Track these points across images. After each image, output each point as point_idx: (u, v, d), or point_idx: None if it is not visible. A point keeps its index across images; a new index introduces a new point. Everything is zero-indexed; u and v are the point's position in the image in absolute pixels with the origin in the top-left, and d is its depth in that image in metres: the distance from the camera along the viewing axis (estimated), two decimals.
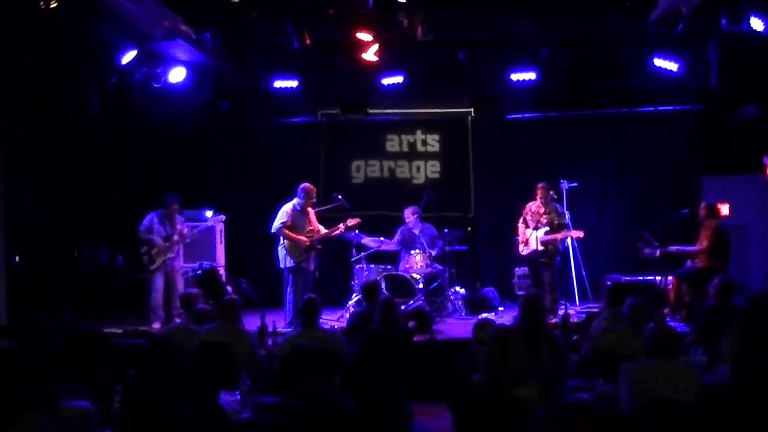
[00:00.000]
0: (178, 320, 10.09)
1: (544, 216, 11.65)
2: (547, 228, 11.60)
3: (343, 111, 13.90)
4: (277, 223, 11.22)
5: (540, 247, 11.53)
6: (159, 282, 11.51)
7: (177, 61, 12.17)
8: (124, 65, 11.52)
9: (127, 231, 11.81)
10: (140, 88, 12.22)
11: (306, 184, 11.47)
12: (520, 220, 12.06)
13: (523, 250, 11.91)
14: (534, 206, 11.90)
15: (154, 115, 12.93)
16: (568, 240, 12.62)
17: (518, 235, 12.01)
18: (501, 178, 14.32)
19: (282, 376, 5.73)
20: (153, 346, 5.79)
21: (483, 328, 6.93)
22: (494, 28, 12.00)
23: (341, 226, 11.49)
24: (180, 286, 11.63)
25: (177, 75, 12.20)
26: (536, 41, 12.11)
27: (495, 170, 14.40)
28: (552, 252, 11.66)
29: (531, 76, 12.73)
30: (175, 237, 11.61)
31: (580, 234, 11.85)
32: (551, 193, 11.78)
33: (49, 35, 10.09)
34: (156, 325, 11.12)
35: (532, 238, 11.61)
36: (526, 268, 12.36)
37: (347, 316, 11.55)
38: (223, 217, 12.56)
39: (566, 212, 12.39)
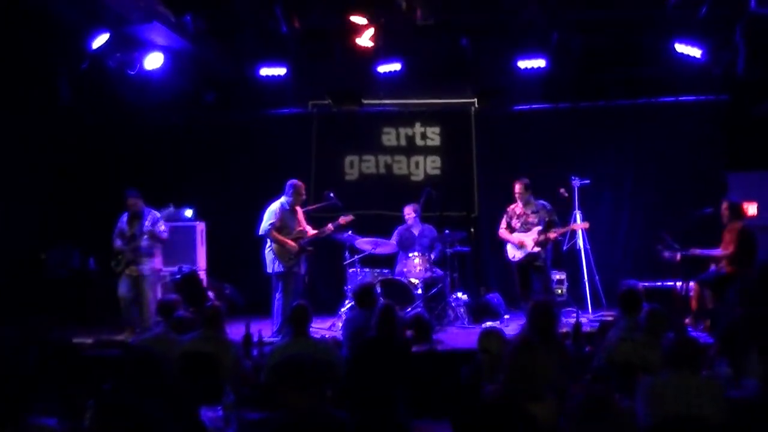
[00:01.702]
0: (157, 329, 10.04)
1: (532, 215, 11.70)
2: (540, 227, 11.62)
3: (336, 102, 13.92)
4: (265, 225, 11.19)
5: (536, 249, 11.57)
6: (122, 288, 11.38)
7: (154, 46, 12.10)
8: (95, 50, 11.41)
9: (101, 232, 11.79)
10: (114, 75, 12.18)
11: (295, 181, 11.45)
12: (503, 225, 12.12)
13: (515, 256, 11.95)
14: (518, 208, 11.95)
15: (130, 105, 12.90)
16: (579, 242, 12.65)
17: (509, 241, 12.02)
18: (507, 175, 14.18)
19: (270, 389, 5.74)
20: (131, 357, 5.78)
21: (489, 338, 6.92)
22: (500, 11, 11.99)
23: (330, 225, 11.48)
24: (150, 291, 11.48)
25: (154, 61, 12.12)
26: (546, 25, 12.12)
27: (500, 166, 14.38)
28: (545, 254, 11.73)
29: (540, 63, 12.71)
30: (137, 238, 11.38)
31: (585, 225, 11.87)
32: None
33: (11, 16, 10.05)
34: (113, 337, 10.92)
35: (527, 240, 11.65)
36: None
37: (340, 324, 11.57)
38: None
39: (578, 211, 12.43)
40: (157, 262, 11.72)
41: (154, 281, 11.67)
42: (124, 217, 11.51)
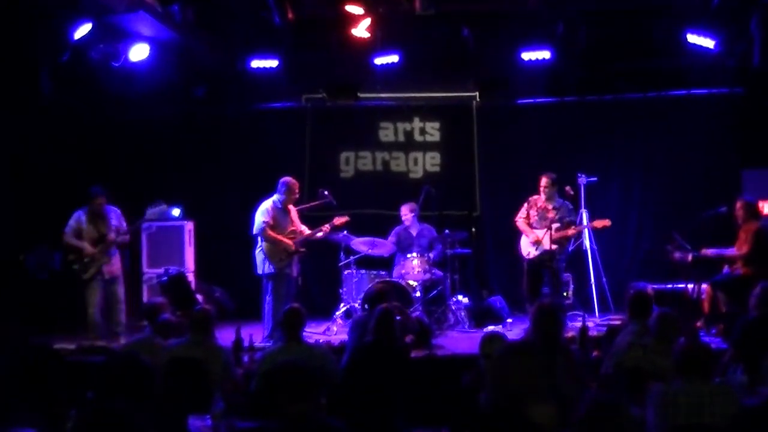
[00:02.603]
0: (142, 334, 10.03)
1: (552, 211, 11.68)
2: (557, 225, 11.62)
3: (331, 95, 13.93)
4: (258, 223, 11.15)
5: (553, 247, 11.55)
6: (94, 294, 11.25)
7: (140, 37, 12.09)
8: (77, 41, 11.35)
9: None
10: (97, 68, 12.15)
11: (288, 178, 11.43)
12: (520, 215, 12.09)
13: (530, 253, 11.93)
14: (540, 201, 11.93)
15: (114, 99, 12.90)
16: (586, 242, 12.65)
17: (525, 233, 12.01)
18: (510, 172, 14.30)
19: (261, 397, 5.73)
20: (116, 364, 5.76)
21: (491, 342, 6.92)
22: (503, 0, 11.99)
23: (326, 226, 11.48)
24: (122, 294, 11.50)
25: (139, 53, 12.10)
26: (551, 15, 12.13)
27: (503, 163, 14.40)
28: (560, 254, 11.72)
29: (545, 55, 12.73)
30: (111, 236, 11.30)
31: (606, 223, 11.85)
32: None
33: None
34: (95, 343, 10.86)
35: (545, 237, 11.62)
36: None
37: (335, 328, 11.58)
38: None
39: (584, 210, 12.42)
40: (119, 261, 11.67)
41: (122, 282, 11.62)
42: (82, 216, 11.31)
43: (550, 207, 11.79)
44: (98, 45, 11.84)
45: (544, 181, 11.87)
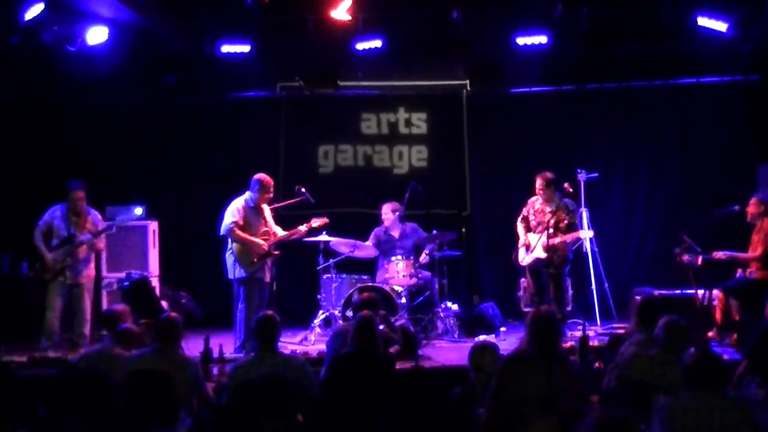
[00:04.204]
0: (100, 344, 9.99)
1: (549, 214, 11.67)
2: (552, 230, 11.59)
3: (308, 84, 13.92)
4: (226, 223, 11.13)
5: (543, 255, 11.56)
6: (54, 299, 11.23)
7: (98, 19, 12.04)
8: (28, 22, 11.28)
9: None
10: (51, 52, 12.08)
11: (261, 175, 11.39)
12: (520, 219, 12.14)
13: (524, 259, 11.96)
14: (537, 203, 11.95)
15: (70, 87, 12.85)
16: (587, 244, 12.65)
17: (518, 239, 12.07)
18: (503, 168, 14.34)
19: (232, 413, 5.69)
20: (71, 377, 5.74)
21: (483, 353, 6.92)
22: None
23: (302, 227, 11.46)
24: (88, 302, 11.43)
25: (97, 36, 12.04)
26: None
27: (496, 157, 14.45)
28: (560, 260, 11.69)
29: (542, 39, 12.77)
30: (81, 237, 11.27)
31: (589, 234, 11.90)
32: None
33: None
34: (49, 354, 10.83)
35: (537, 243, 11.65)
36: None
37: (312, 338, 11.57)
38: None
39: (584, 209, 12.43)
40: (92, 268, 11.69)
41: (91, 290, 11.64)
42: (57, 212, 11.32)
43: (546, 210, 11.80)
44: (52, 27, 11.77)
45: (538, 182, 11.85)
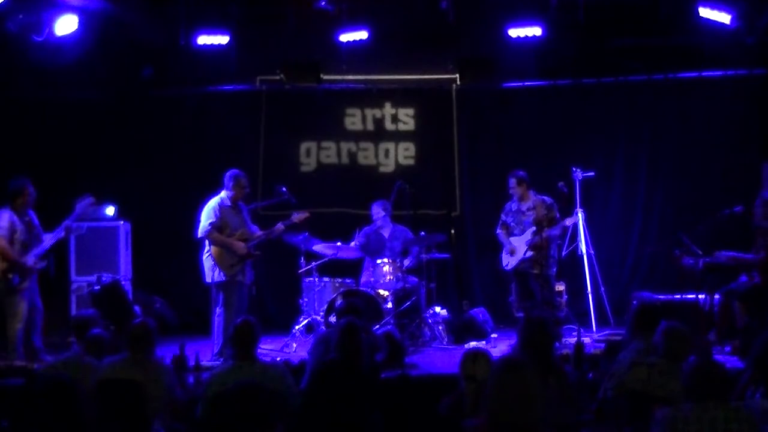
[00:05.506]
0: (69, 352, 9.95)
1: (528, 213, 11.73)
2: (534, 228, 11.64)
3: (289, 77, 13.91)
4: (204, 225, 11.05)
5: (528, 254, 11.60)
6: (24, 306, 10.97)
7: (66, 7, 12.02)
8: None
9: None
10: (15, 42, 12.05)
11: (235, 171, 11.26)
12: (499, 226, 12.30)
13: (509, 263, 12.01)
14: (513, 204, 12.02)
15: (36, 79, 12.82)
16: (582, 246, 12.68)
17: (503, 244, 12.20)
18: (495, 166, 14.33)
19: (208, 425, 5.69)
20: (37, 387, 5.71)
21: (474, 361, 6.92)
22: None
23: (280, 224, 11.42)
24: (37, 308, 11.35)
25: (66, 25, 12.01)
26: None
27: (487, 155, 14.48)
28: (544, 260, 11.70)
29: (536, 31, 12.79)
30: (44, 242, 11.04)
31: (574, 219, 11.98)
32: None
33: None
34: (17, 364, 10.75)
35: (519, 244, 11.75)
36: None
37: (294, 345, 11.55)
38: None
39: (580, 210, 12.46)
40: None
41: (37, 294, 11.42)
42: (12, 216, 10.88)
43: (524, 209, 11.86)
44: (16, 15, 11.73)
45: (510, 182, 12.06)
